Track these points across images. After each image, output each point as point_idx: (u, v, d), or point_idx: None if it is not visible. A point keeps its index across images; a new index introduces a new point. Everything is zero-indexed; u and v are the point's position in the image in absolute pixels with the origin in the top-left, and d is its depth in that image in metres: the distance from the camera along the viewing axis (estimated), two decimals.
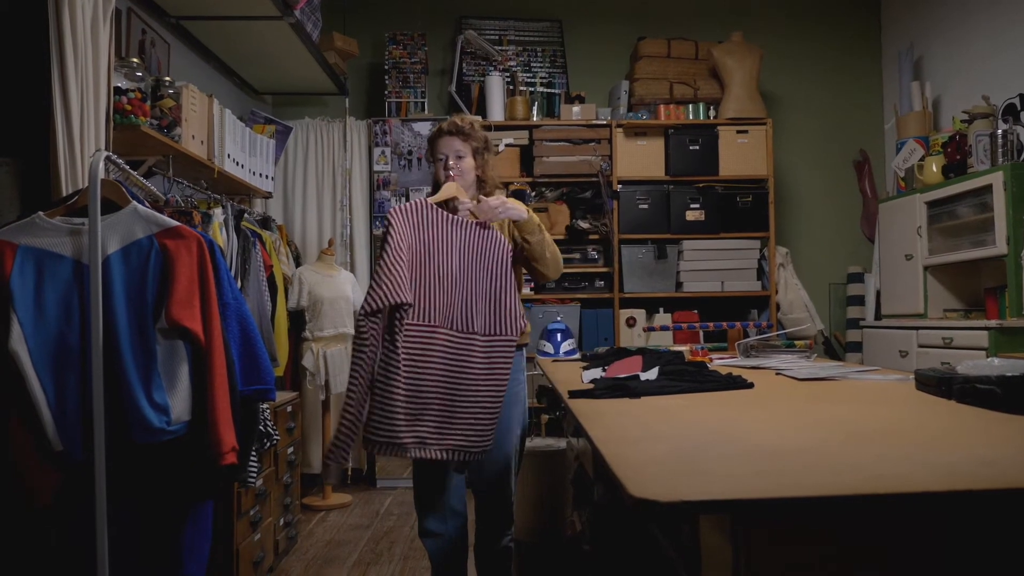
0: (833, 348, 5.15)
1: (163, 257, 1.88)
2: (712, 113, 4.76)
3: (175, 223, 1.93)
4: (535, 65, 5.00)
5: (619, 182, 4.64)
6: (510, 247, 2.24)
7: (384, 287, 2.01)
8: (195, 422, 1.89)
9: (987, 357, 2.98)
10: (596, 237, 4.62)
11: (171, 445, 1.86)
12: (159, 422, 1.82)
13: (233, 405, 1.93)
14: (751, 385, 1.91)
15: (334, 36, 4.62)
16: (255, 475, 2.72)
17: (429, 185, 4.71)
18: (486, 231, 2.21)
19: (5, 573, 1.93)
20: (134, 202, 1.93)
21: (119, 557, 1.89)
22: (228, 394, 1.91)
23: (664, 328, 4.31)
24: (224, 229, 3.17)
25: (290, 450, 3.34)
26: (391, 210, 2.17)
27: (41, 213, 1.89)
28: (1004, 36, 4.05)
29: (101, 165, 1.88)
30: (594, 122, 4.68)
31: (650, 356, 2.40)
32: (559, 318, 4.31)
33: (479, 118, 2.53)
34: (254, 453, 2.70)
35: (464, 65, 4.92)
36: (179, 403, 1.86)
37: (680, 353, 2.59)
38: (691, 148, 4.63)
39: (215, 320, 1.90)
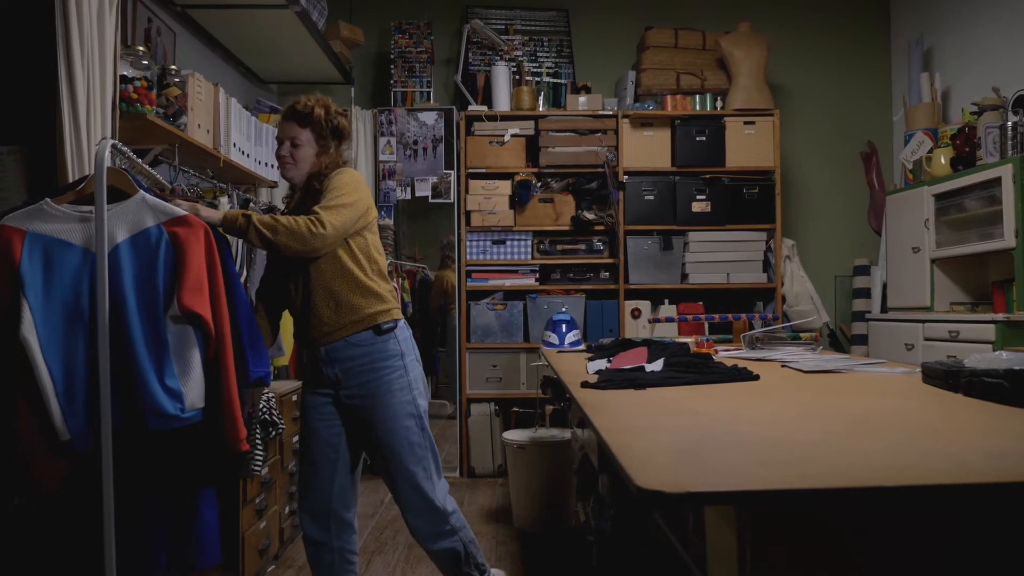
0: (839, 341, 5.14)
1: (173, 245, 1.89)
2: (719, 104, 4.73)
3: (183, 212, 1.94)
4: (541, 55, 4.98)
5: (625, 173, 4.62)
6: None
7: None
8: (208, 409, 1.90)
9: (994, 351, 2.97)
10: (602, 228, 4.61)
11: (185, 432, 1.87)
12: (173, 408, 1.83)
13: (240, 392, 1.95)
14: (757, 377, 1.91)
15: (340, 25, 4.60)
16: (261, 463, 2.73)
17: (435, 175, 4.72)
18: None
19: (15, 562, 1.94)
20: (142, 191, 1.93)
21: (132, 545, 1.90)
22: (236, 382, 1.93)
23: (669, 320, 4.30)
24: None
25: (295, 439, 3.35)
26: None
27: (48, 199, 1.89)
28: (1015, 27, 4.02)
29: (107, 153, 1.88)
30: (600, 112, 4.66)
31: (655, 347, 2.40)
32: (564, 309, 4.31)
33: (327, 99, 2.28)
34: (260, 441, 2.72)
35: (470, 55, 4.90)
36: (192, 390, 1.87)
37: (685, 345, 2.59)
38: (698, 139, 4.61)
39: (223, 308, 1.91)
